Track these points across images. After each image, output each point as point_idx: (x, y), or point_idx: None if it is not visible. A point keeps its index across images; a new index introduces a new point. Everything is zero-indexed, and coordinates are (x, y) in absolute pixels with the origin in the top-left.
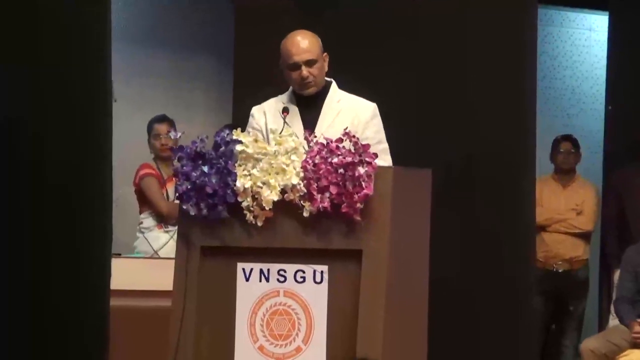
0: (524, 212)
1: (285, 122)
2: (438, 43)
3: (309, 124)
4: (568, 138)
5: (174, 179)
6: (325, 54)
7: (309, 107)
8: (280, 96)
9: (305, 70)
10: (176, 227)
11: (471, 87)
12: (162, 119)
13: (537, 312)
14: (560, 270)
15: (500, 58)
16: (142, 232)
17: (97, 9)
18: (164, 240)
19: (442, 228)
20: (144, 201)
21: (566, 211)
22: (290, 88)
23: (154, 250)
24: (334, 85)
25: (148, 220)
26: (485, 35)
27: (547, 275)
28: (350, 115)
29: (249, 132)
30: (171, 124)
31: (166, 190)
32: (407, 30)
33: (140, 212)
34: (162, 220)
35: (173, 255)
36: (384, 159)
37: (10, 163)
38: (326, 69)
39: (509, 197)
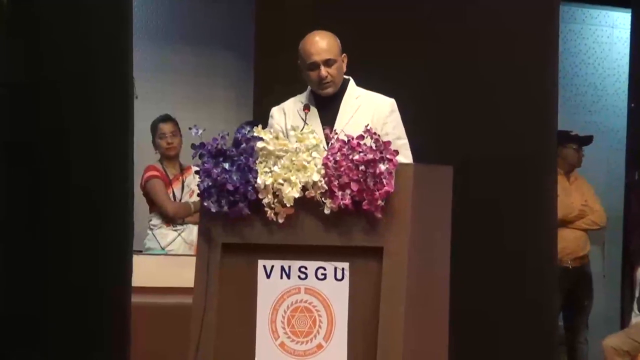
0: (546, 211)
1: (304, 119)
2: (458, 41)
3: (328, 122)
4: (574, 138)
5: (179, 178)
6: (344, 54)
7: (328, 105)
8: (299, 96)
9: (324, 70)
10: (184, 226)
11: (492, 85)
12: (166, 118)
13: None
14: (571, 267)
15: (522, 56)
16: (151, 229)
17: (118, 6)
18: (172, 237)
19: (463, 227)
20: (151, 202)
21: (581, 207)
22: (309, 88)
23: (161, 247)
24: (351, 82)
25: (156, 219)
26: (507, 33)
27: (560, 271)
28: (369, 112)
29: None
30: (175, 123)
31: (172, 190)
32: (427, 29)
33: (150, 212)
34: (169, 220)
35: (181, 252)
36: (404, 155)
37: (32, 162)
38: (344, 69)
39: (530, 195)
